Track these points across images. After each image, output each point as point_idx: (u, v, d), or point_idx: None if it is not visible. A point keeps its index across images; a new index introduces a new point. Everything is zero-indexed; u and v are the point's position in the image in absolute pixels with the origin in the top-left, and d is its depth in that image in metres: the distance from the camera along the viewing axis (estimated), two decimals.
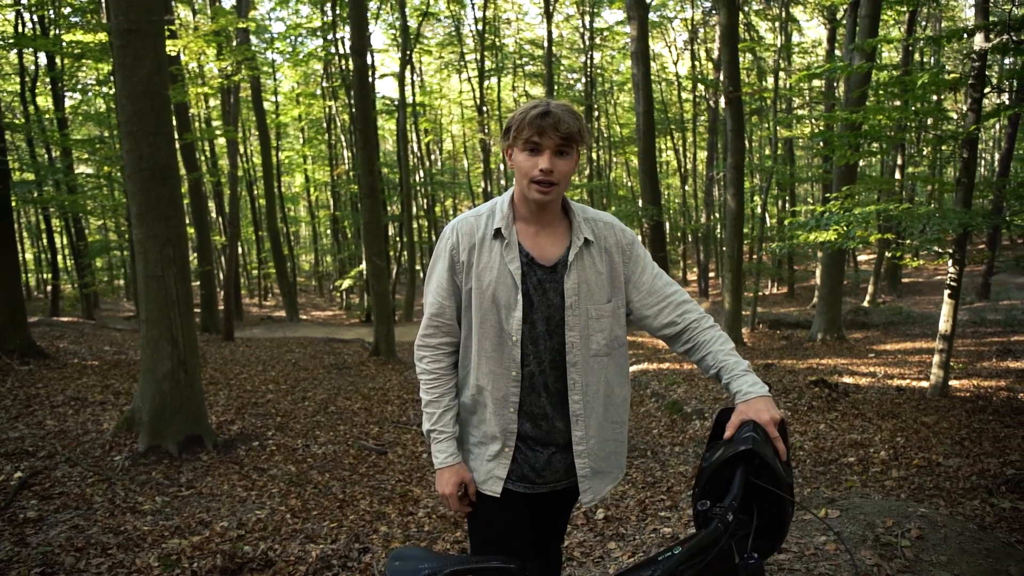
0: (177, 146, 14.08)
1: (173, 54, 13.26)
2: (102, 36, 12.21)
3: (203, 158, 25.29)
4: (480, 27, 27.12)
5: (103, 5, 13.36)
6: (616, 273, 1.89)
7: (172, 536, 4.26)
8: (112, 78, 14.00)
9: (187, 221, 16.72)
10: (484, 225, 1.85)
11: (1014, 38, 7.82)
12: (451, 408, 1.91)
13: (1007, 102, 12.89)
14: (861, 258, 27.28)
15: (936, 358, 7.93)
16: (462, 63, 29.65)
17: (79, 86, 18.84)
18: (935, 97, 15.85)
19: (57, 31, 15.34)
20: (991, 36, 7.69)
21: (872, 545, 3.56)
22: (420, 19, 25.18)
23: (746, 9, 22.32)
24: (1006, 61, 16.97)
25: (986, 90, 8.44)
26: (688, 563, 1.38)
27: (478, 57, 27.63)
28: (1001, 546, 3.61)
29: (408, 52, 23.21)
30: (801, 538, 3.74)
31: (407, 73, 24.67)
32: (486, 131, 28.73)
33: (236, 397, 8.63)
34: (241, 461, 6.00)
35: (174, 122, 13.23)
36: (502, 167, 32.43)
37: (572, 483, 1.95)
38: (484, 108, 28.44)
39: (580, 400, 1.84)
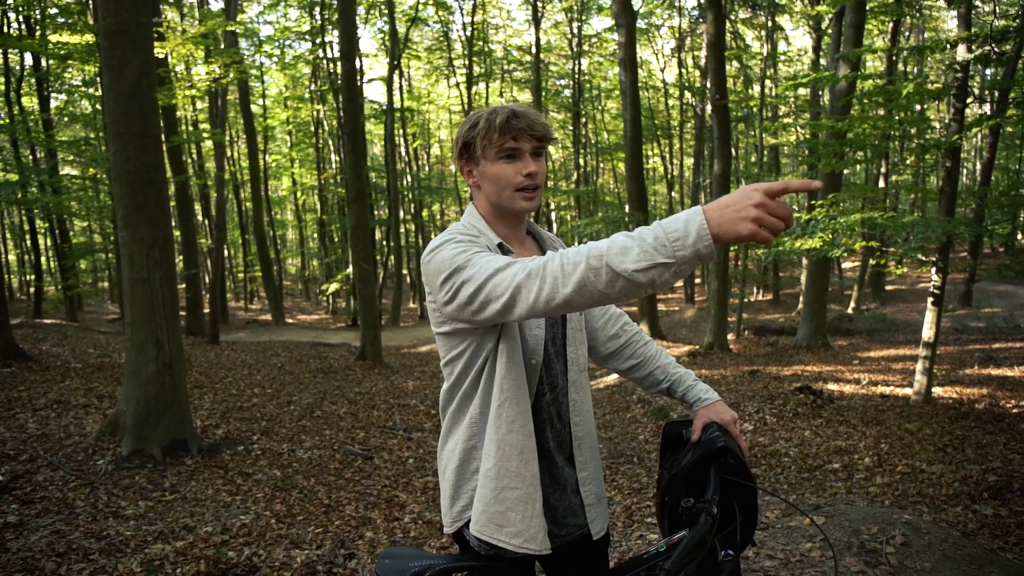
0: (164, 149, 14.00)
1: (161, 56, 13.19)
2: (89, 37, 12.14)
3: (190, 161, 25.15)
4: (468, 32, 27.17)
5: (90, 6, 13.28)
6: None
7: (155, 541, 4.22)
8: (99, 80, 13.92)
9: (173, 224, 16.63)
10: (483, 243, 1.62)
11: (995, 49, 7.94)
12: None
13: (989, 112, 13.05)
14: (846, 265, 27.50)
15: (919, 365, 8.01)
16: (450, 68, 29.66)
17: (65, 87, 18.69)
18: (919, 107, 16.02)
19: (43, 32, 15.21)
20: (973, 47, 7.79)
21: (857, 552, 3.59)
22: (408, 24, 25.18)
23: (733, 18, 22.49)
24: (988, 72, 17.21)
25: (968, 100, 8.54)
26: (689, 556, 1.44)
27: (466, 62, 27.66)
28: (984, 552, 3.65)
29: (396, 57, 23.21)
30: (787, 545, 3.76)
31: (395, 78, 24.66)
32: None
33: (221, 401, 8.56)
34: (226, 466, 5.95)
35: (161, 124, 13.17)
36: None
37: (586, 530, 1.74)
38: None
39: (580, 422, 1.72)
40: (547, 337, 1.66)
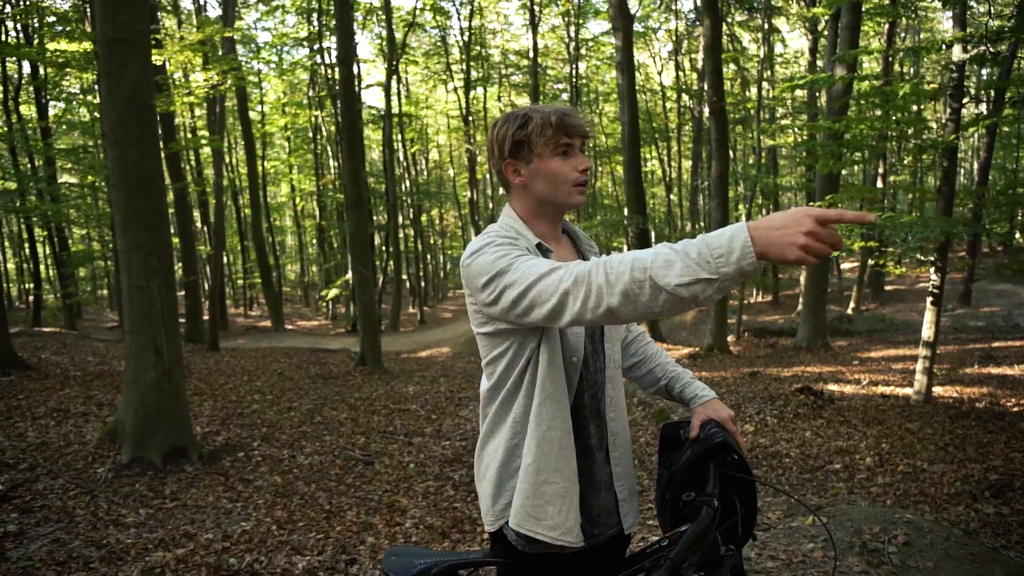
0: (162, 156, 14.00)
1: (159, 63, 13.21)
2: (87, 45, 12.16)
3: (188, 168, 25.15)
4: (466, 37, 27.23)
5: (88, 14, 13.30)
6: None
7: (156, 549, 4.21)
8: (97, 87, 13.93)
9: (172, 231, 16.63)
10: (522, 244, 1.62)
11: (991, 50, 7.96)
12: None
13: (985, 112, 13.08)
14: (845, 266, 27.52)
15: (919, 365, 8.01)
16: (448, 73, 29.71)
17: (63, 95, 18.72)
18: (916, 107, 16.04)
19: (41, 40, 15.23)
20: (968, 48, 7.81)
21: (859, 552, 3.58)
22: (406, 29, 25.23)
23: (729, 20, 22.54)
24: (984, 72, 17.25)
25: (965, 100, 8.57)
26: (692, 548, 1.45)
27: (464, 67, 27.71)
28: (986, 551, 3.64)
29: (394, 62, 23.25)
30: (789, 545, 3.75)
31: (393, 83, 24.70)
32: (472, 141, 28.78)
33: (221, 408, 8.55)
34: (226, 472, 5.94)
35: (159, 131, 13.18)
36: (488, 176, 32.47)
37: (618, 528, 1.76)
38: (470, 118, 28.51)
39: (616, 418, 1.74)
40: (586, 335, 1.68)
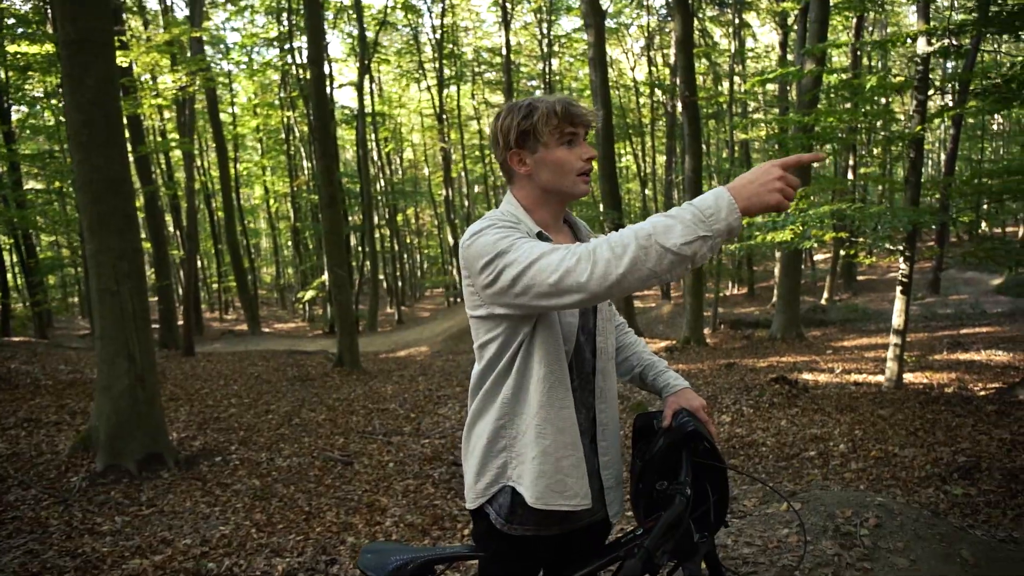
0: (131, 159, 13.80)
1: (124, 65, 13.01)
2: (49, 47, 11.94)
3: (159, 171, 24.83)
4: (438, 35, 27.15)
5: (49, 16, 13.07)
6: None
7: (133, 556, 4.16)
8: (61, 90, 13.68)
9: (143, 235, 16.41)
10: (523, 230, 1.63)
11: (953, 43, 8.11)
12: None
13: (950, 104, 13.33)
14: (818, 257, 27.87)
15: (890, 352, 8.15)
16: (421, 71, 29.62)
17: (26, 99, 18.36)
18: (884, 100, 16.28)
19: (1, 42, 14.95)
20: (933, 41, 7.95)
21: (832, 535, 3.64)
22: (378, 28, 25.10)
23: (700, 16, 22.71)
24: (949, 65, 17.54)
25: (930, 92, 8.72)
26: (666, 536, 1.47)
27: (437, 65, 27.64)
28: (954, 531, 3.73)
29: (366, 61, 23.13)
30: (764, 532, 3.81)
31: (366, 82, 24.57)
32: (446, 139, 28.72)
33: (197, 412, 8.47)
34: (204, 477, 5.89)
35: (127, 134, 13.00)
36: (463, 174, 32.43)
37: (601, 515, 1.79)
38: (444, 116, 28.45)
39: (605, 409, 1.76)
40: (578, 326, 1.70)
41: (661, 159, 31.06)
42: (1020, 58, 7.54)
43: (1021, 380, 7.57)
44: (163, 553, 4.21)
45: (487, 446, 1.66)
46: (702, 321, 14.14)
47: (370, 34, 24.59)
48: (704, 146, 24.89)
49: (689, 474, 1.61)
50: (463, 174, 32.42)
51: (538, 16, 28.10)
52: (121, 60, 12.08)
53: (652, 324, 19.59)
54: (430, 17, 31.25)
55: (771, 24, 24.26)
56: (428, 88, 29.39)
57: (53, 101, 16.94)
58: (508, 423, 1.64)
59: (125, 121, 12.68)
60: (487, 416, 1.67)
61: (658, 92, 27.73)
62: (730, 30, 23.91)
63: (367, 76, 24.58)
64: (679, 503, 1.52)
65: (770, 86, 23.73)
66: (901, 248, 7.89)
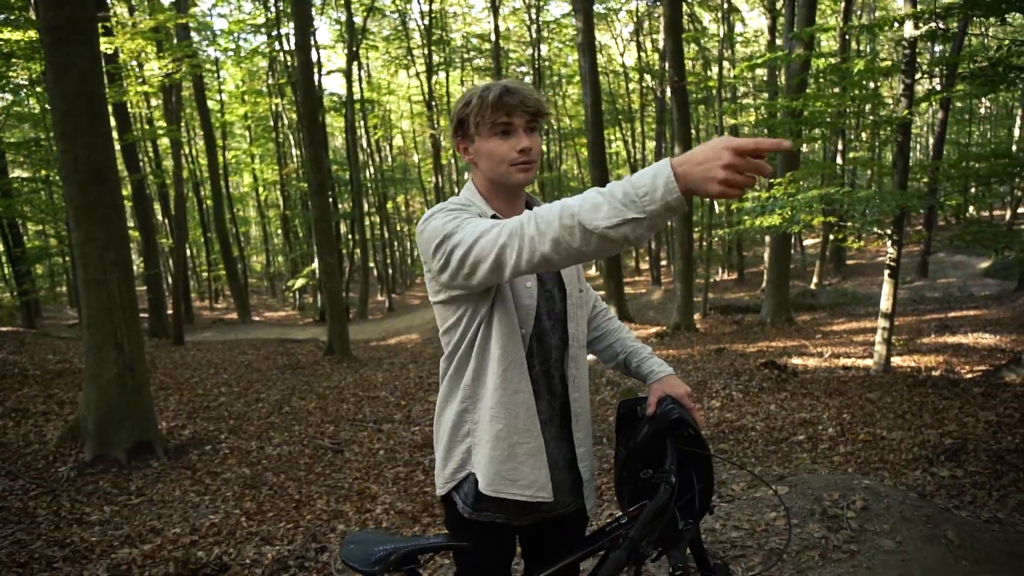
0: (117, 147, 13.68)
1: (109, 52, 12.85)
2: (32, 33, 11.77)
3: (146, 159, 24.61)
4: (427, 21, 26.94)
5: (32, 1, 12.87)
6: None
7: (122, 546, 4.16)
8: (45, 77, 13.51)
9: (131, 224, 16.29)
10: (475, 211, 1.63)
11: (940, 26, 8.11)
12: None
13: (938, 87, 13.35)
14: (807, 242, 27.97)
15: (878, 336, 8.20)
16: (409, 58, 29.41)
17: (10, 87, 18.12)
18: (872, 84, 16.31)
19: None
20: (920, 24, 7.95)
21: (820, 518, 3.67)
22: (366, 14, 24.87)
23: (689, 0, 22.62)
24: (937, 48, 17.57)
25: (917, 76, 8.72)
26: (651, 525, 1.47)
27: (425, 52, 27.44)
28: (939, 512, 3.76)
29: (354, 47, 22.94)
30: (752, 515, 3.84)
31: (355, 69, 24.38)
32: (436, 126, 28.57)
33: (187, 401, 8.45)
34: (193, 466, 5.88)
35: (112, 122, 12.86)
36: (454, 161, 32.30)
37: (576, 506, 1.77)
38: (433, 103, 28.28)
39: (578, 397, 1.73)
40: (542, 310, 1.67)
41: (651, 145, 31.02)
42: (1007, 41, 7.54)
43: (1007, 362, 7.64)
44: (152, 542, 4.20)
45: (451, 432, 1.66)
46: (692, 307, 14.19)
47: (358, 20, 24.39)
48: (694, 131, 24.88)
49: (674, 462, 1.60)
50: (453, 160, 32.29)
51: (527, 2, 27.90)
52: (106, 47, 11.92)
53: (643, 310, 19.63)
54: (419, 3, 30.93)
55: (760, 9, 24.20)
56: (417, 74, 29.18)
57: (38, 89, 16.71)
58: (471, 407, 1.63)
59: (111, 109, 12.54)
60: (452, 402, 1.67)
61: (647, 77, 27.65)
62: (719, 15, 23.83)
63: (355, 63, 24.38)
64: (664, 492, 1.52)
65: (759, 71, 23.72)
66: (889, 232, 7.91)
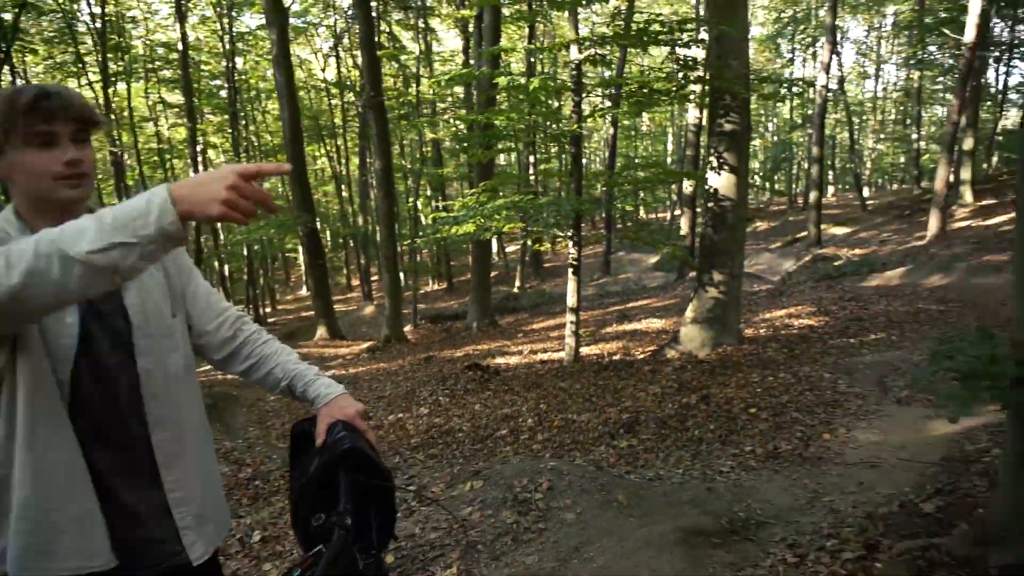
0: None
1: None
2: None
3: None
4: (100, 24, 24.05)
5: None
6: (172, 283, 1.61)
7: None
8: None
9: None
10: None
11: (599, 52, 9.19)
12: None
13: (609, 104, 15.12)
14: (510, 248, 29.98)
15: (568, 330, 8.97)
16: (80, 65, 26.02)
17: None
18: (556, 102, 17.97)
19: None
20: (582, 49, 8.90)
21: (512, 505, 3.86)
22: (17, 11, 21.45)
23: (388, 19, 23.04)
24: (606, 73, 19.92)
25: (584, 95, 9.74)
26: (327, 574, 1.30)
27: (100, 59, 24.48)
28: (613, 479, 4.17)
29: (5, 47, 19.66)
30: (449, 515, 3.91)
31: (6, 74, 20.91)
32: (116, 142, 25.64)
33: None
34: None
35: None
36: (140, 182, 29.27)
37: (180, 559, 1.54)
38: (113, 116, 25.33)
39: (169, 438, 1.51)
40: (101, 347, 1.42)
41: (356, 160, 30.99)
42: (650, 68, 8.77)
43: (668, 341, 8.81)
44: None
45: None
46: (401, 319, 14.39)
47: (7, 16, 20.96)
48: (398, 146, 25.38)
49: (349, 500, 1.43)
50: (139, 180, 29.23)
51: (218, 10, 26.27)
52: None
53: (355, 325, 19.49)
54: (89, 4, 27.47)
55: (455, 30, 25.42)
56: (90, 84, 25.93)
57: None
58: (10, 472, 1.35)
59: None
60: None
61: (348, 93, 27.60)
62: (416, 34, 24.59)
63: (8, 67, 20.91)
64: (338, 539, 1.34)
65: (458, 88, 24.94)
66: (570, 234, 8.71)
